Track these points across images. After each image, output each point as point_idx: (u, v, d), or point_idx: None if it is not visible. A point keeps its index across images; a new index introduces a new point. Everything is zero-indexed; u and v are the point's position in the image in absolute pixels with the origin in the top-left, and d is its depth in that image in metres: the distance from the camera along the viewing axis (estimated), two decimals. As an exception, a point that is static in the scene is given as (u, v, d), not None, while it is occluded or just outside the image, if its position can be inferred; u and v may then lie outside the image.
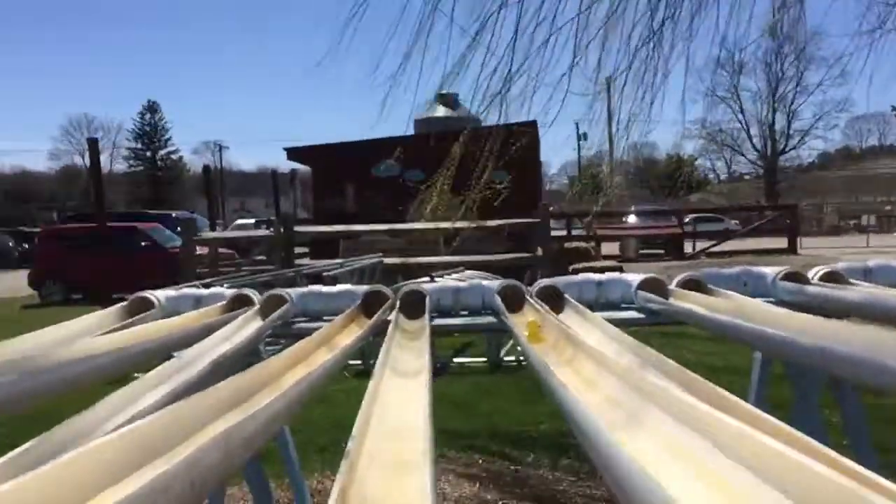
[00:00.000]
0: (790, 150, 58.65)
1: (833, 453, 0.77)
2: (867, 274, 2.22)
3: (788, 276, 2.19)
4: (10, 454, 0.97)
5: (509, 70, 5.22)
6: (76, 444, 0.98)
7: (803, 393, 1.97)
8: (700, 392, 1.07)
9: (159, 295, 2.37)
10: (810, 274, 2.19)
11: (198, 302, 2.41)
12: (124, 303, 2.29)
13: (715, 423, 0.90)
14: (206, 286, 3.06)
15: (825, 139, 62.66)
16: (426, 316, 2.13)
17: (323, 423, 4.57)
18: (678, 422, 0.97)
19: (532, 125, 7.91)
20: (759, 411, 0.96)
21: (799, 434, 0.85)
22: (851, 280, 2.14)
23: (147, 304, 2.29)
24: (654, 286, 2.25)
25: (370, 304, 2.30)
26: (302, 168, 25.56)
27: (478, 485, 3.56)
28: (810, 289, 2.04)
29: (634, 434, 1.03)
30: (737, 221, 30.93)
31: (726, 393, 1.05)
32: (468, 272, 7.33)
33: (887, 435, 3.86)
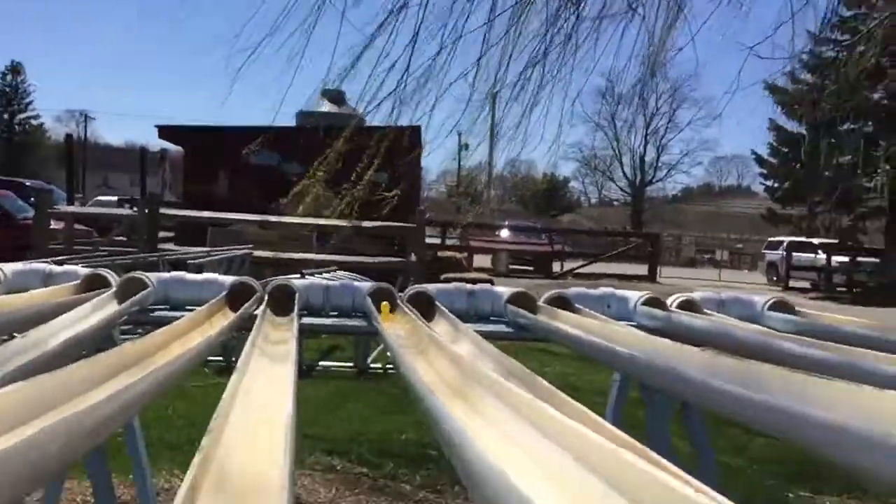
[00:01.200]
0: (657, 181, 62.03)
1: (679, 470, 0.81)
2: (720, 305, 2.36)
3: (649, 302, 2.29)
4: None
5: (405, 71, 5.23)
6: None
7: (655, 415, 2.06)
8: (556, 404, 1.09)
9: (5, 268, 2.20)
10: (669, 301, 2.30)
11: (48, 279, 2.26)
12: (-37, 274, 2.11)
13: (565, 429, 0.92)
14: (59, 263, 2.86)
15: (689, 174, 66.78)
16: (294, 313, 2.08)
17: (177, 420, 4.39)
18: (529, 425, 0.99)
19: (416, 130, 7.97)
20: (612, 427, 0.99)
21: (651, 452, 0.88)
22: (706, 310, 2.27)
23: (-10, 277, 2.13)
24: (524, 301, 2.30)
25: (236, 297, 2.22)
26: (173, 148, 24.54)
27: (334, 490, 3.52)
28: (668, 315, 2.15)
29: (484, 433, 1.04)
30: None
31: (578, 404, 1.08)
32: (340, 272, 7.26)
33: (731, 460, 4.14)
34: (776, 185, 40.82)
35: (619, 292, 2.45)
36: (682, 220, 57.57)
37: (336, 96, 15.94)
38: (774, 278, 28.49)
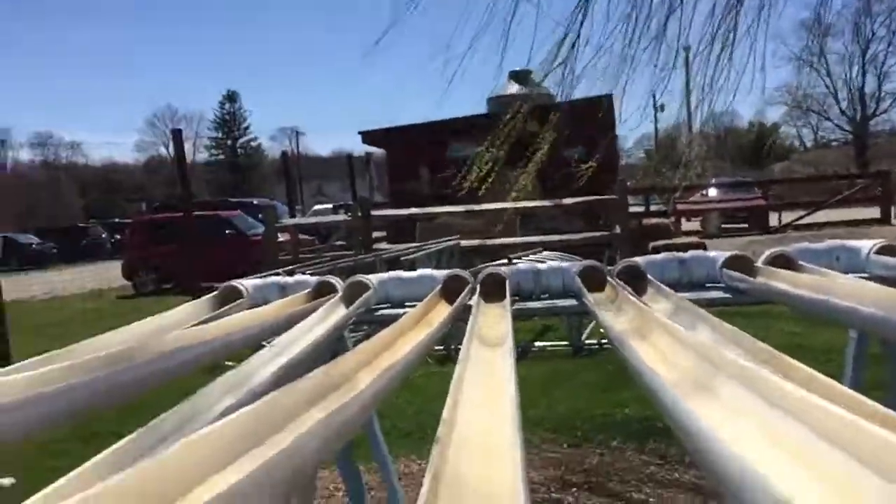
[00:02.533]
0: (881, 113, 55.89)
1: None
2: (973, 246, 2.11)
3: (884, 250, 2.09)
4: (112, 448, 1.02)
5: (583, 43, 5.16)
6: (177, 437, 1.03)
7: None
8: (789, 372, 1.04)
9: (247, 284, 2.44)
10: (908, 247, 2.09)
11: (283, 290, 2.47)
12: (214, 293, 2.37)
13: (807, 404, 0.87)
14: (290, 273, 3.13)
15: (919, 101, 59.40)
16: (507, 300, 2.13)
17: (408, 409, 4.65)
18: (761, 400, 0.95)
19: (608, 99, 7.79)
20: (854, 393, 0.93)
21: (892, 413, 0.82)
22: (955, 253, 2.04)
23: (235, 293, 2.37)
24: (741, 264, 2.19)
25: (450, 289, 2.32)
26: (377, 151, 25.79)
27: (563, 468, 3.56)
28: (908, 263, 1.96)
29: (713, 409, 1.01)
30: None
31: (817, 373, 1.02)
32: (546, 253, 7.29)
33: None
34: None
35: (849, 242, 2.25)
36: (916, 153, 51.56)
37: (523, 77, 15.96)
38: None
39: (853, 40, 48.95)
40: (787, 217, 24.31)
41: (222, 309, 2.17)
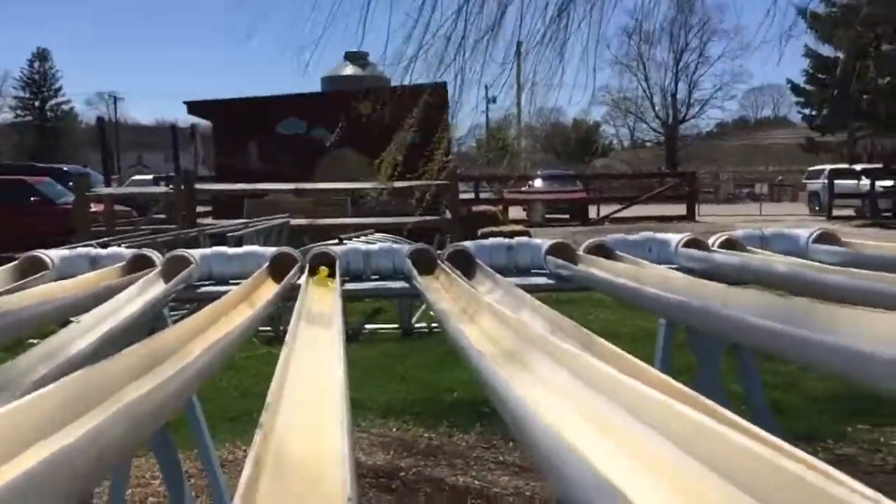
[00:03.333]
0: (690, 118, 60.65)
1: (733, 415, 0.81)
2: (764, 241, 2.32)
3: (690, 243, 2.26)
4: None
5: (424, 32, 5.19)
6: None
7: (705, 359, 2.05)
8: (604, 354, 1.09)
9: (52, 255, 2.25)
10: (710, 241, 2.27)
11: (94, 262, 2.30)
12: (14, 263, 2.16)
13: (619, 384, 0.92)
14: (103, 246, 2.92)
15: (723, 109, 65.06)
16: (337, 280, 2.10)
17: (232, 392, 4.50)
18: (576, 378, 0.99)
19: (442, 87, 7.89)
20: (664, 376, 0.99)
21: (702, 398, 0.88)
22: (749, 247, 2.24)
23: (39, 265, 2.17)
24: (563, 251, 2.29)
25: (278, 267, 2.25)
26: (203, 123, 24.70)
27: (391, 452, 3.58)
28: (711, 255, 2.12)
29: (531, 384, 1.05)
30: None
31: (630, 356, 1.08)
32: (377, 235, 7.30)
33: (782, 399, 4.11)
34: (814, 113, 39.76)
35: (660, 235, 2.42)
36: (719, 157, 56.31)
37: (360, 59, 15.85)
38: (817, 208, 27.91)
39: (668, 49, 52.66)
40: (606, 210, 25.88)
41: (23, 281, 1.98)
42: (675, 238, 2.34)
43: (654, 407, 0.84)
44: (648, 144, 65.56)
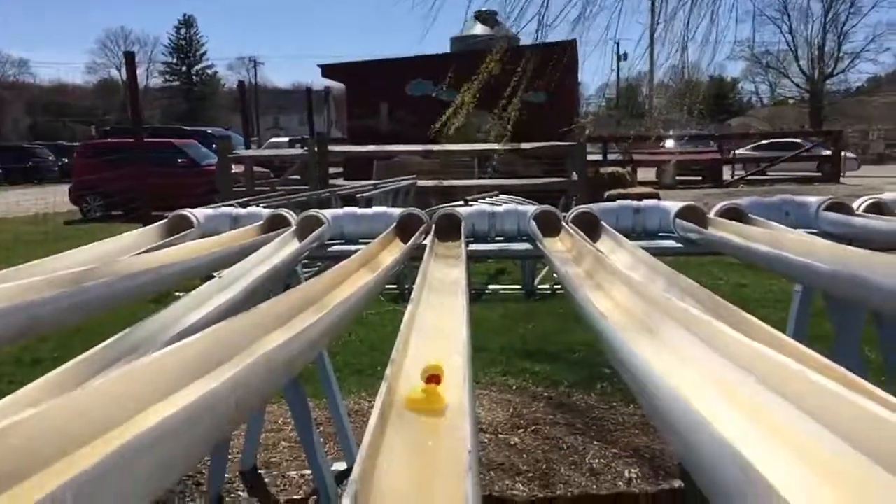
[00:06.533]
0: (838, 73, 56.39)
1: (874, 388, 0.77)
2: (916, 206, 2.16)
3: (832, 207, 2.14)
4: (61, 368, 1.00)
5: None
6: (126, 361, 1.01)
7: (844, 327, 1.95)
8: (734, 321, 1.06)
9: (198, 213, 2.39)
10: (855, 204, 2.14)
11: (235, 221, 2.43)
12: (164, 221, 2.32)
13: (753, 353, 0.89)
14: (243, 206, 3.08)
15: (876, 62, 59.96)
16: (462, 240, 2.13)
17: (360, 347, 4.65)
18: (708, 347, 0.97)
19: (571, 45, 7.72)
20: (796, 343, 0.95)
21: (840, 368, 0.84)
22: (899, 212, 2.09)
23: (186, 223, 2.32)
24: (693, 215, 2.22)
25: (405, 227, 2.31)
26: (336, 86, 25.31)
27: (511, 410, 3.62)
28: (855, 220, 2.00)
29: (661, 354, 1.03)
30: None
31: (762, 323, 1.03)
32: (503, 196, 7.29)
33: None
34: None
35: (799, 198, 2.30)
36: (869, 114, 52.20)
37: (489, 18, 15.71)
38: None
39: (818, -1, 49.02)
40: (742, 171, 24.68)
41: (171, 237, 2.13)
42: (815, 201, 2.22)
43: (787, 376, 0.81)
44: (791, 101, 61.66)
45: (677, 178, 23.71)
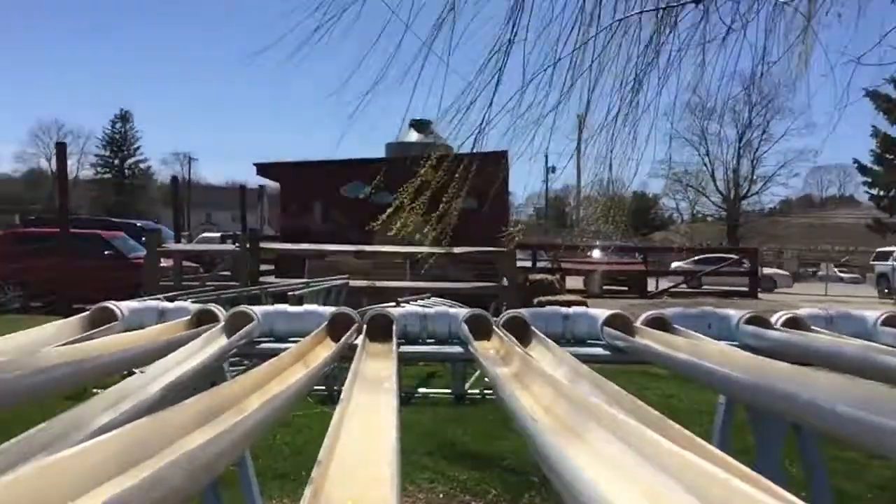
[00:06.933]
0: (752, 195, 59.62)
1: (797, 500, 0.78)
2: (829, 322, 2.26)
3: (752, 320, 2.21)
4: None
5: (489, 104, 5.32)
6: (35, 458, 0.96)
7: (765, 439, 1.99)
8: (661, 428, 1.07)
9: (122, 306, 2.32)
10: (773, 319, 2.22)
11: (162, 315, 2.37)
12: (86, 313, 2.24)
13: (681, 461, 0.90)
14: (171, 300, 3.01)
15: (787, 186, 63.58)
16: (394, 341, 2.12)
17: (284, 450, 4.51)
18: (635, 453, 0.98)
19: (503, 155, 7.98)
20: (722, 453, 0.96)
21: (763, 479, 0.85)
22: (814, 327, 2.18)
23: (110, 315, 2.25)
24: (621, 323, 2.26)
25: (337, 326, 2.28)
26: (271, 184, 25.44)
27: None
28: (773, 334, 2.07)
29: (587, 458, 1.03)
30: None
31: (688, 432, 1.05)
32: (434, 299, 7.33)
33: (847, 485, 3.92)
34: (882, 193, 38.86)
35: (720, 311, 2.37)
36: (781, 234, 54.98)
37: (423, 126, 16.19)
38: (886, 290, 26.95)
39: (732, 125, 52.21)
40: (664, 284, 25.49)
41: (93, 331, 2.05)
42: (736, 314, 2.30)
43: (713, 485, 0.82)
44: (709, 219, 64.52)
45: (604, 287, 24.30)
